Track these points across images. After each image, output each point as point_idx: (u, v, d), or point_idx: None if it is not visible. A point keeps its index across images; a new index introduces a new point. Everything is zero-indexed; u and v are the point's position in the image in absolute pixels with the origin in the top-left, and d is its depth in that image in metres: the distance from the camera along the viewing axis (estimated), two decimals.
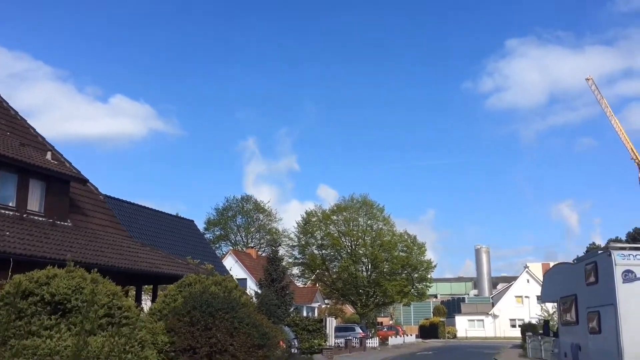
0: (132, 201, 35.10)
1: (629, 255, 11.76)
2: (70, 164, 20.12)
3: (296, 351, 22.21)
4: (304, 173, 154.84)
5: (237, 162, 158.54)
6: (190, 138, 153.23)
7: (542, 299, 17.84)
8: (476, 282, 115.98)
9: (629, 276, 11.48)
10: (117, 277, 14.66)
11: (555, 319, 47.12)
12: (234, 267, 50.94)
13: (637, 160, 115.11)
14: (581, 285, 13.28)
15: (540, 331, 43.54)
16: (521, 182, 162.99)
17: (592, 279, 12.73)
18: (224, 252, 57.11)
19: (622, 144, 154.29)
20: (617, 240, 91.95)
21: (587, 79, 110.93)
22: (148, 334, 11.51)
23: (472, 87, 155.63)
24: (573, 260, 14.82)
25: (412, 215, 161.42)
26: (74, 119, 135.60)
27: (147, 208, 36.58)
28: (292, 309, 30.06)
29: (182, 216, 40.86)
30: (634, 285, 11.41)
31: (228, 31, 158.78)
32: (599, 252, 12.88)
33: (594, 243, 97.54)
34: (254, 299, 19.94)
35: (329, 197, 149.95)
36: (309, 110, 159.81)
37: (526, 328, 45.70)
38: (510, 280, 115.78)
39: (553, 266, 15.78)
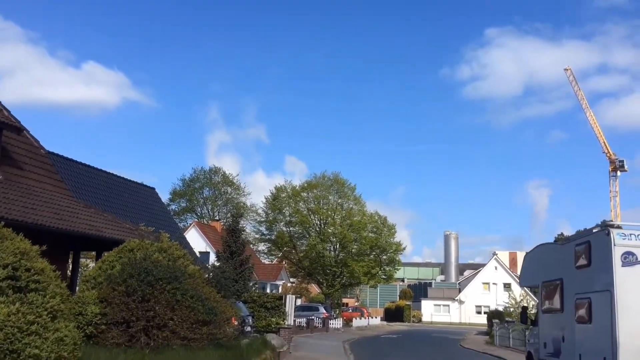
0: (88, 164, 32.83)
1: (630, 235, 10.25)
2: (9, 112, 17.86)
3: (250, 330, 20.53)
4: (272, 144, 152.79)
5: (208, 135, 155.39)
6: (164, 109, 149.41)
7: (520, 283, 16.36)
8: (443, 268, 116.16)
9: (629, 259, 9.96)
10: (50, 239, 12.71)
11: (527, 306, 46.62)
12: (197, 240, 49.02)
13: (608, 155, 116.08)
14: (569, 268, 11.78)
15: (508, 319, 42.99)
16: (491, 172, 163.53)
17: (583, 261, 11.22)
18: (189, 225, 54.96)
19: (593, 139, 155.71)
20: (584, 231, 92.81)
21: (566, 70, 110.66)
22: (65, 303, 9.60)
23: (449, 74, 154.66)
24: (558, 240, 13.29)
25: (381, 198, 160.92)
26: (45, 84, 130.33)
27: (104, 171, 34.14)
28: (251, 284, 28.28)
29: (143, 183, 38.61)
30: (634, 269, 9.90)
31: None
32: (594, 230, 11.32)
33: (562, 234, 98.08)
34: (209, 271, 18.07)
35: (296, 169, 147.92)
36: (278, 82, 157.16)
37: (493, 315, 44.94)
38: (477, 267, 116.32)
39: (536, 247, 14.28)
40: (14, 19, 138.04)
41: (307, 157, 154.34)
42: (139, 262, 13.56)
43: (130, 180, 36.71)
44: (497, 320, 42.25)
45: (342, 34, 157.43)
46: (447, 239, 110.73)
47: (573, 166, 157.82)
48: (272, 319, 24.51)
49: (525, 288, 61.65)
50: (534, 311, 45.72)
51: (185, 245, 36.07)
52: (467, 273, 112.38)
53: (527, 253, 14.95)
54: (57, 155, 29.53)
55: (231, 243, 28.24)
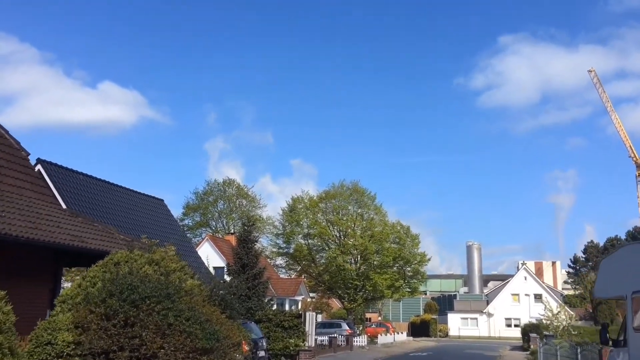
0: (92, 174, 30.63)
1: None
2: None
3: (264, 354, 17.80)
4: (285, 156, 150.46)
5: (222, 148, 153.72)
6: (180, 126, 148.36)
7: (595, 293, 13.41)
8: (466, 280, 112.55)
9: None
10: (24, 252, 10.25)
11: (560, 319, 43.22)
12: (212, 255, 46.46)
13: (635, 159, 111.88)
14: None
15: (546, 332, 39.66)
16: (510, 180, 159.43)
17: None
18: (203, 239, 52.51)
19: (614, 144, 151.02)
20: (615, 239, 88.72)
21: (590, 71, 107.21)
22: (5, 334, 7.08)
23: (463, 83, 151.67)
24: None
25: (397, 210, 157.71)
26: (61, 104, 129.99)
27: (108, 182, 31.88)
28: (266, 301, 25.50)
29: (151, 195, 36.29)
30: None
31: (215, 16, 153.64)
32: None
33: (592, 241, 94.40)
34: (212, 287, 15.37)
35: (310, 178, 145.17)
36: (292, 93, 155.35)
37: (529, 329, 41.61)
38: (501, 278, 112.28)
39: (622, 248, 11.45)
40: (30, 40, 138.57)
41: (321, 167, 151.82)
42: (122, 278, 10.99)
43: (137, 192, 34.40)
44: (534, 334, 39.05)
45: (354, 42, 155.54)
46: (469, 249, 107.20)
47: (595, 172, 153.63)
48: (291, 340, 21.76)
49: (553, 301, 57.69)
50: (556, 323, 42.71)
51: (195, 259, 33.64)
52: (491, 284, 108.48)
53: (606, 257, 12.06)
54: (54, 164, 27.37)
55: (243, 255, 25.56)
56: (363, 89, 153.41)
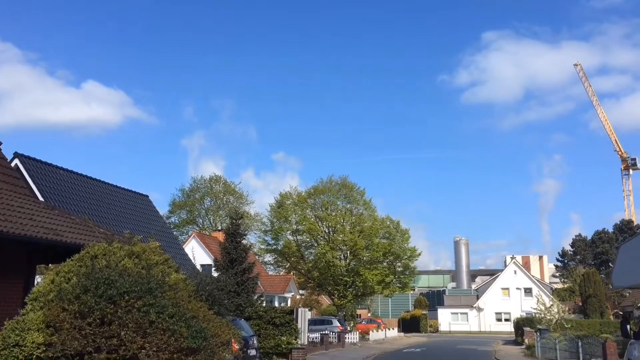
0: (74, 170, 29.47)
1: None
2: None
3: (255, 353, 16.83)
4: (270, 154, 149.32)
5: (209, 145, 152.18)
6: (166, 126, 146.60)
7: (614, 283, 12.63)
8: (454, 275, 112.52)
9: None
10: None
11: (552, 312, 42.70)
12: (198, 252, 45.36)
13: (620, 153, 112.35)
14: None
15: (540, 326, 39.09)
16: (495, 176, 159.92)
17: None
18: (189, 236, 51.36)
19: (598, 139, 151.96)
20: (603, 232, 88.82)
21: (576, 65, 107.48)
22: None
23: (448, 80, 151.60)
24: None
25: (383, 206, 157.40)
26: (45, 104, 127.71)
27: (90, 178, 30.76)
28: (256, 297, 24.50)
29: (135, 191, 35.16)
30: None
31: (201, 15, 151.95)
32: None
33: (580, 234, 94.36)
34: (198, 282, 14.32)
35: (295, 174, 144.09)
36: (277, 91, 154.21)
37: (523, 322, 41.05)
38: (489, 273, 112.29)
39: None
40: (12, 40, 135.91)
41: (306, 165, 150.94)
42: (98, 272, 10.01)
43: (120, 188, 33.28)
44: (528, 328, 38.51)
45: (338, 38, 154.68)
46: (457, 245, 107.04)
47: (579, 168, 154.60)
48: (283, 338, 20.80)
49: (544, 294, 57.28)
50: (549, 316, 42.21)
51: (182, 257, 32.54)
52: (479, 279, 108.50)
53: (625, 242, 11.27)
54: (32, 158, 26.15)
55: (231, 249, 24.52)
56: (346, 85, 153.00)
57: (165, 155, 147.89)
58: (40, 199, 22.94)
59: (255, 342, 16.79)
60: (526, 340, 36.64)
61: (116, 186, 32.78)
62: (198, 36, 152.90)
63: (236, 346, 13.41)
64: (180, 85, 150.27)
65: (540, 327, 37.88)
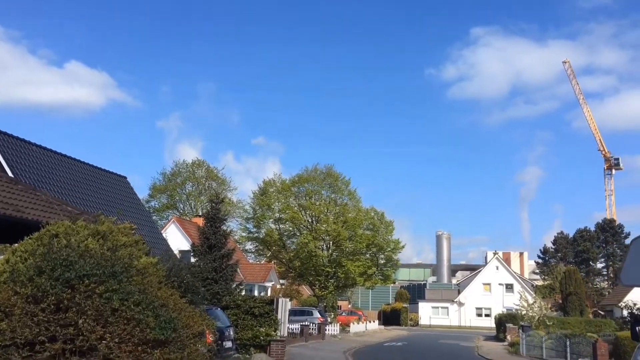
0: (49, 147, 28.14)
1: None
2: None
3: (231, 345, 15.78)
4: (257, 145, 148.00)
5: (193, 130, 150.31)
6: (150, 109, 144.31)
7: (623, 280, 11.74)
8: (435, 269, 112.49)
9: None
10: None
11: (534, 309, 42.26)
12: (178, 237, 44.14)
13: (603, 152, 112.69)
14: None
15: (523, 323, 38.56)
16: (477, 172, 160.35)
17: None
18: (169, 221, 50.06)
19: (582, 139, 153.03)
20: (585, 230, 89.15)
21: (564, 62, 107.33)
22: None
23: (435, 74, 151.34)
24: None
25: (367, 199, 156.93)
26: (27, 83, 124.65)
27: (65, 156, 29.44)
28: (235, 286, 23.41)
29: (113, 171, 33.87)
30: None
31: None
32: None
33: (562, 232, 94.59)
34: (170, 266, 13.15)
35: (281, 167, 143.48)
36: (264, 81, 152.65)
37: (506, 318, 40.56)
38: (469, 268, 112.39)
39: None
40: None
41: (288, 152, 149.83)
42: (56, 252, 8.92)
43: (98, 168, 32.00)
44: (511, 325, 38.03)
45: (324, 31, 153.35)
46: (439, 239, 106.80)
47: (561, 165, 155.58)
48: (261, 329, 19.76)
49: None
50: (531, 313, 41.78)
51: (160, 241, 31.38)
52: (459, 274, 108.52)
53: (638, 237, 10.40)
54: (3, 132, 24.80)
55: (210, 234, 23.42)
56: (332, 76, 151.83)
57: (148, 139, 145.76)
58: (10, 175, 21.70)
59: (231, 333, 15.77)
60: (508, 337, 36.14)
61: (93, 166, 31.51)
62: (186, 22, 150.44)
63: (210, 338, 12.42)
64: (163, 68, 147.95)
65: (522, 323, 37.45)
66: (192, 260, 26.71)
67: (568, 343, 21.05)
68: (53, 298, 8.30)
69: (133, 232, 10.76)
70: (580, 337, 22.08)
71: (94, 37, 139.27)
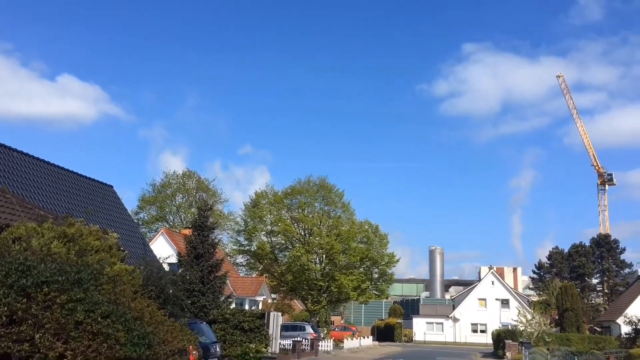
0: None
1: None
2: None
3: None
4: (249, 157, 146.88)
5: (185, 144, 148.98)
6: (142, 122, 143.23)
7: None
8: (428, 284, 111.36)
9: None
10: None
11: (534, 325, 41.10)
12: (167, 249, 42.73)
13: (597, 168, 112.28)
14: None
15: (523, 340, 37.37)
16: (469, 188, 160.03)
17: None
18: (157, 233, 48.66)
19: (569, 155, 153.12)
20: (580, 245, 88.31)
21: (558, 76, 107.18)
22: None
23: (426, 89, 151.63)
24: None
25: (359, 213, 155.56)
26: (18, 96, 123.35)
27: (48, 163, 28.23)
28: (223, 299, 22.03)
29: (99, 180, 32.63)
30: None
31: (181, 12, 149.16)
32: None
33: (557, 247, 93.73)
34: (146, 273, 11.79)
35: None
36: (256, 96, 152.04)
37: (505, 335, 39.32)
38: (462, 283, 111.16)
39: None
40: None
41: (280, 168, 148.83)
42: (13, 256, 7.74)
43: (83, 176, 30.76)
44: (510, 341, 36.83)
45: (316, 42, 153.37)
46: (432, 254, 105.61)
47: (552, 182, 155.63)
48: (251, 346, 18.45)
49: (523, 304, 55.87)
50: (530, 329, 40.63)
51: (147, 253, 30.07)
52: (452, 289, 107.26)
53: None
54: None
55: (197, 244, 22.16)
56: (323, 88, 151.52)
57: (139, 151, 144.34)
58: None
59: (217, 349, 14.48)
60: (508, 354, 34.90)
61: (78, 174, 30.26)
62: (177, 32, 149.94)
63: (194, 355, 11.21)
64: (151, 79, 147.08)
65: (522, 340, 36.26)
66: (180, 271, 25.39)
67: None
68: (5, 309, 7.12)
69: (106, 236, 9.58)
70: (589, 354, 20.96)
71: (86, 51, 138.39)
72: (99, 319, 7.44)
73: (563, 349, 25.45)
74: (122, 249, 14.30)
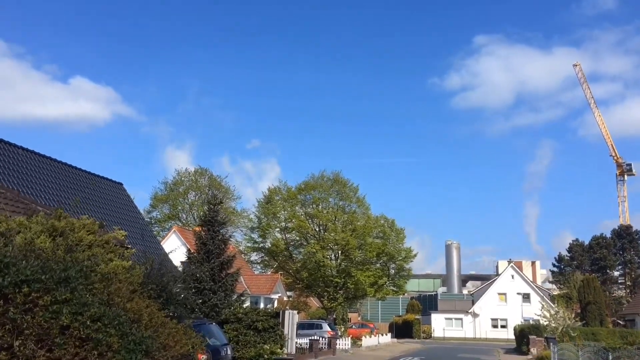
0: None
1: None
2: None
3: None
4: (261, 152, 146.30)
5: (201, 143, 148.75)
6: (152, 121, 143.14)
7: None
8: (445, 279, 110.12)
9: None
10: None
11: (558, 320, 39.72)
12: (179, 248, 42.11)
13: (615, 158, 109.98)
14: None
15: (548, 335, 36.05)
16: (484, 182, 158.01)
17: None
18: (170, 231, 47.95)
19: (584, 146, 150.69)
20: (601, 237, 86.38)
21: (575, 65, 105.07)
22: None
23: (438, 83, 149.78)
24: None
25: (374, 208, 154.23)
26: (31, 99, 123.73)
27: (56, 160, 27.62)
28: (235, 297, 21.00)
29: (108, 177, 31.96)
30: None
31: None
32: None
33: (577, 239, 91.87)
34: (148, 270, 10.63)
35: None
36: (268, 95, 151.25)
37: (529, 330, 38.00)
38: (480, 278, 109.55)
39: None
40: None
41: (290, 168, 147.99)
42: None
43: (91, 173, 30.08)
44: (534, 337, 35.57)
45: (328, 42, 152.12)
46: (448, 249, 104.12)
47: (569, 173, 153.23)
48: (265, 347, 17.45)
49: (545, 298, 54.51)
50: (554, 324, 39.29)
51: (158, 251, 29.27)
52: (470, 284, 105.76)
53: None
54: None
55: (207, 240, 21.22)
56: (335, 84, 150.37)
57: (151, 151, 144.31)
58: None
59: (229, 352, 13.48)
60: (532, 350, 33.67)
61: (86, 171, 29.62)
62: (186, 31, 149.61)
63: (202, 358, 10.25)
64: (162, 78, 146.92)
65: (547, 335, 34.96)
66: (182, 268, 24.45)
67: (610, 357, 18.68)
68: None
69: (102, 229, 8.64)
70: (622, 351, 19.75)
71: (98, 52, 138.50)
72: (89, 322, 6.49)
73: (593, 344, 24.15)
74: (128, 246, 13.40)
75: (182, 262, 37.58)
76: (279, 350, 17.62)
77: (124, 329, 6.79)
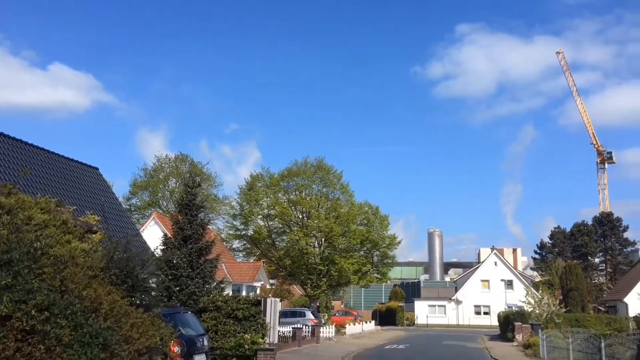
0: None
1: None
2: None
3: (204, 359, 12.53)
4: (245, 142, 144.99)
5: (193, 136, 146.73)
6: (132, 107, 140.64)
7: None
8: (427, 267, 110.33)
9: None
10: None
11: (543, 306, 39.47)
12: (159, 234, 40.97)
13: (596, 146, 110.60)
14: None
15: (533, 322, 35.69)
16: (465, 170, 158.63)
17: None
18: (149, 217, 46.76)
19: (565, 135, 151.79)
20: (582, 224, 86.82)
21: (558, 52, 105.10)
22: None
23: (420, 72, 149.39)
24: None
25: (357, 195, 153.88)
26: (8, 85, 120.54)
27: (27, 143, 26.35)
28: (214, 284, 19.98)
29: (83, 162, 30.77)
30: None
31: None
32: None
33: (559, 227, 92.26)
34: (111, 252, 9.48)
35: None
36: (252, 81, 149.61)
37: (514, 317, 37.66)
38: (461, 265, 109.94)
39: None
40: None
41: (271, 154, 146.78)
42: None
43: (65, 157, 28.90)
44: (520, 323, 35.21)
45: (310, 29, 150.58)
46: (430, 236, 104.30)
47: (548, 162, 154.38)
48: (246, 336, 16.56)
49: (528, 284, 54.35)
50: (538, 311, 39.09)
51: (135, 237, 28.20)
52: (452, 271, 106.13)
53: None
54: None
55: (184, 225, 20.19)
56: (316, 72, 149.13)
57: (132, 138, 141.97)
58: None
59: (205, 342, 12.55)
60: (518, 337, 33.31)
61: (60, 155, 28.41)
62: (175, 19, 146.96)
63: (175, 349, 9.35)
64: (149, 68, 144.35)
65: (532, 322, 34.66)
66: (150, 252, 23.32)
67: (603, 344, 18.15)
68: None
69: (59, 208, 7.67)
70: (615, 337, 19.27)
71: (77, 39, 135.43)
72: (34, 312, 5.56)
73: (582, 331, 23.71)
74: (94, 229, 12.40)
75: (158, 247, 36.58)
76: (260, 339, 16.78)
77: (78, 319, 5.87)
